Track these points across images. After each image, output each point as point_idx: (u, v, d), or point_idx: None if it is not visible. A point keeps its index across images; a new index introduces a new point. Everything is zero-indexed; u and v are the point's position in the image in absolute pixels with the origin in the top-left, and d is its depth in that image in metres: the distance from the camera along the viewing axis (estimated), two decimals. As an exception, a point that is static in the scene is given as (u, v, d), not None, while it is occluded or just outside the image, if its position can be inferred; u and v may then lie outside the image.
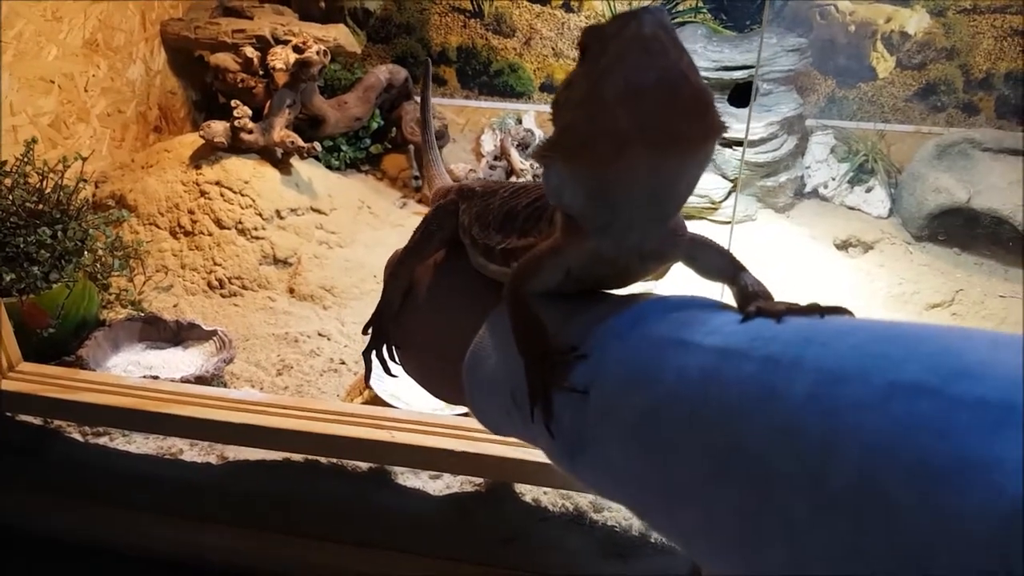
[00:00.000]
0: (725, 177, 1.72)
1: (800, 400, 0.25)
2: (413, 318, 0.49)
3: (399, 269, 0.49)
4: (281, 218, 1.49)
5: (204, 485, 1.04)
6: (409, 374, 0.50)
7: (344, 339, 1.31)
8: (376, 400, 1.11)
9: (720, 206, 1.70)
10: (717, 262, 0.38)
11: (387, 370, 0.51)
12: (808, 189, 1.82)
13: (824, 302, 0.31)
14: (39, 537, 1.11)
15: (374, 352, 0.50)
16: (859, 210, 1.75)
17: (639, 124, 0.29)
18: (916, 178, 1.70)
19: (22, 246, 1.08)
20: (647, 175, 0.31)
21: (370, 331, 0.51)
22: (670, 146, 0.30)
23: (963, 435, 0.21)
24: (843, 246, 1.65)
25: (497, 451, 0.89)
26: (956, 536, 0.20)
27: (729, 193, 1.71)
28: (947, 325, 0.26)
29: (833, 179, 1.79)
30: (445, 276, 0.48)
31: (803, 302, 0.32)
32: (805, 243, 1.62)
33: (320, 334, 1.32)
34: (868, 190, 1.77)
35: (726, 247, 0.39)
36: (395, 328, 0.50)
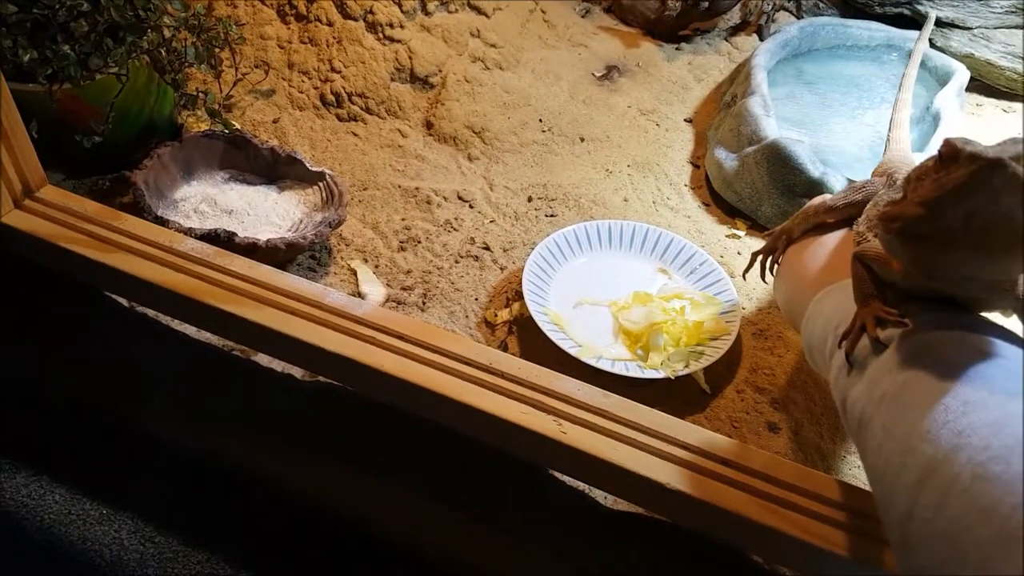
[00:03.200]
0: (1091, 42, 1.11)
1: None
2: (803, 249, 0.62)
3: (817, 211, 0.62)
4: (427, 13, 1.05)
5: (282, 401, 0.73)
6: (775, 286, 0.66)
7: (492, 210, 0.92)
8: (526, 323, 0.74)
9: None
10: None
11: (763, 274, 0.68)
12: None
13: None
14: (62, 405, 0.86)
15: (764, 255, 0.67)
16: None
17: (965, 236, 0.37)
18: None
19: (48, 14, 0.71)
20: (959, 271, 0.41)
21: (770, 237, 0.67)
22: (983, 260, 0.39)
23: None
24: None
25: (734, 502, 0.51)
26: None
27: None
28: None
29: None
30: (835, 233, 0.61)
31: None
32: None
33: (461, 197, 0.94)
34: None
35: None
36: (786, 247, 0.65)
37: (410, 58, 1.02)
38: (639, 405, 0.57)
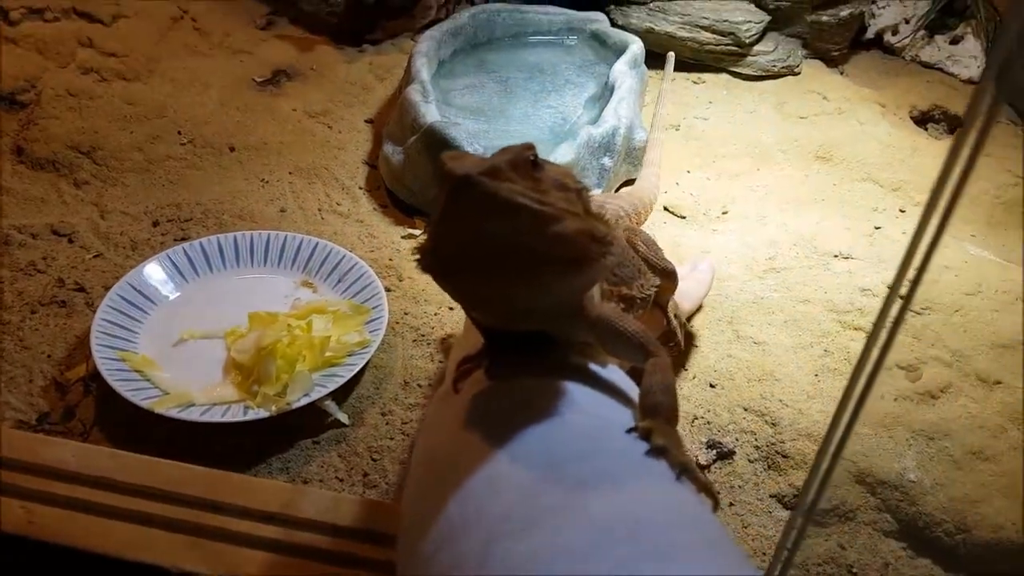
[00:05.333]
0: (763, 7, 1.13)
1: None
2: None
3: None
4: (11, 22, 0.85)
5: None
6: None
7: (100, 243, 0.74)
8: (96, 385, 0.56)
9: (750, 51, 1.12)
10: (621, 351, 0.38)
11: None
12: (870, 35, 1.24)
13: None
14: None
15: None
16: (940, 69, 1.19)
17: (467, 264, 0.32)
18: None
19: None
20: (491, 304, 0.35)
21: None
22: (503, 288, 0.32)
23: None
24: (922, 120, 1.10)
25: None
26: None
27: (765, 31, 1.13)
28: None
29: (906, 22, 1.22)
30: None
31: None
32: (873, 113, 1.07)
33: (56, 231, 0.74)
34: (954, 41, 1.21)
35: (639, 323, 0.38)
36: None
37: (-12, 73, 0.82)
38: (161, 462, 0.41)
